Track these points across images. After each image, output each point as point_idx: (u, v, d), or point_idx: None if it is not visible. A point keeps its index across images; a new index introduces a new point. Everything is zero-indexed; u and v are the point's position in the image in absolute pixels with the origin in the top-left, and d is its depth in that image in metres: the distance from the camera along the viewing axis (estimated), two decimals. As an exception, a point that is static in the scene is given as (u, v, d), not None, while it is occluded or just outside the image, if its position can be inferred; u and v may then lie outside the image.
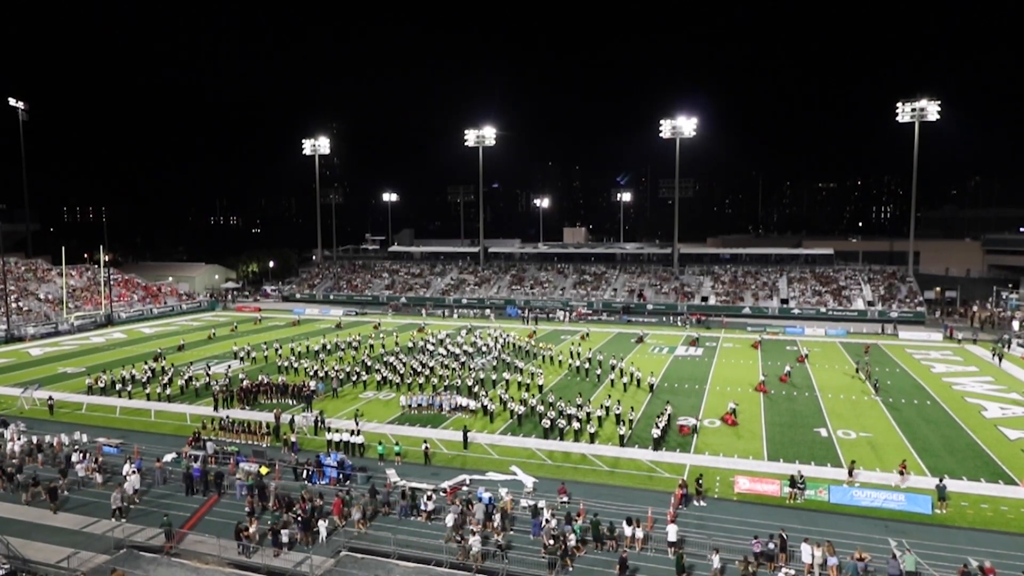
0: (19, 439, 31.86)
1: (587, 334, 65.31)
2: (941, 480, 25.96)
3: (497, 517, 23.53)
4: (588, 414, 35.52)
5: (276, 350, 54.93)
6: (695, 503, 25.69)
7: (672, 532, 21.86)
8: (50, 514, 25.21)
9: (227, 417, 35.30)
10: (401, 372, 45.22)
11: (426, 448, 30.87)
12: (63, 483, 26.85)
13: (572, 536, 21.76)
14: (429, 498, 24.84)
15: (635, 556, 21.71)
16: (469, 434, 32.71)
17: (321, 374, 45.08)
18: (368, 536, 23.20)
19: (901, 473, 27.83)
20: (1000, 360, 50.44)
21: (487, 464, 30.14)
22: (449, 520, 23.25)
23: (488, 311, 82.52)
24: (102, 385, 43.68)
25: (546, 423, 34.27)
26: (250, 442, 32.79)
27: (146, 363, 49.33)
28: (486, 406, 37.42)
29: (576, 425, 34.15)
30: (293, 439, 31.96)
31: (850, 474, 27.88)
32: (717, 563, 20.14)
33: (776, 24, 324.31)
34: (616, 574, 20.29)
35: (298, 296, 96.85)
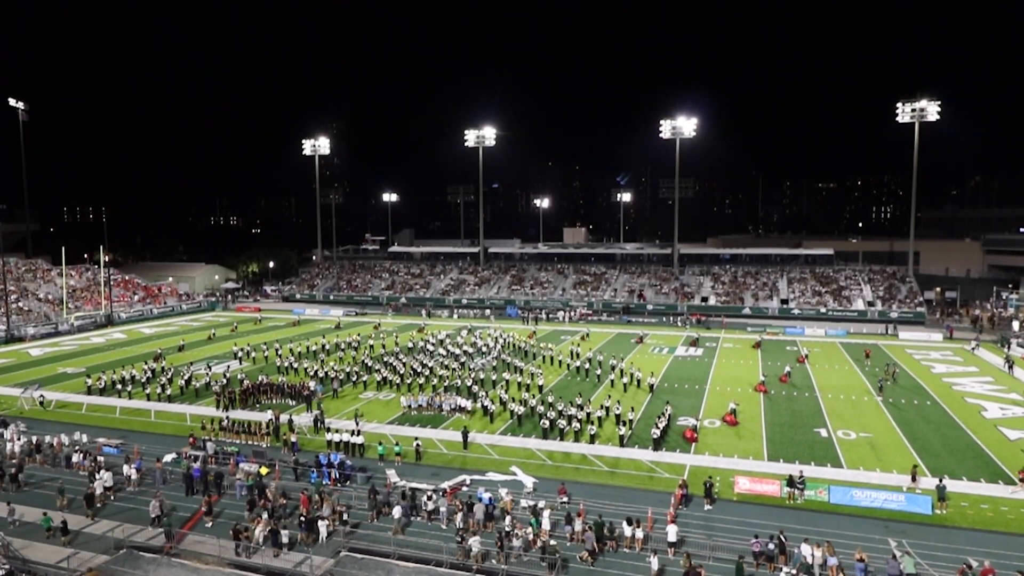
0: (19, 439, 31.86)
1: (587, 334, 65.30)
2: (941, 480, 25.94)
3: (459, 518, 23.62)
4: (588, 414, 35.53)
5: (276, 350, 54.91)
6: (705, 507, 25.41)
7: (672, 532, 21.85)
8: (50, 514, 25.13)
9: (227, 417, 35.34)
10: (401, 372, 45.23)
11: (417, 446, 31.02)
12: (94, 487, 26.46)
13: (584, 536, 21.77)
14: (429, 498, 24.85)
15: (635, 556, 21.71)
16: (469, 434, 32.73)
17: (321, 374, 45.08)
18: (367, 536, 23.20)
19: None
20: (1011, 367, 48.17)
21: (487, 464, 30.15)
22: (396, 512, 23.65)
23: (488, 311, 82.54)
24: (101, 385, 43.72)
25: (546, 423, 34.27)
26: (250, 442, 32.81)
27: (146, 363, 49.34)
28: (486, 406, 37.42)
29: (576, 425, 34.14)
30: (293, 439, 31.97)
31: (913, 479, 26.95)
32: (656, 565, 19.98)
33: (776, 24, 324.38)
34: None
35: (298, 296, 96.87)
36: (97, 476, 26.68)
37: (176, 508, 25.57)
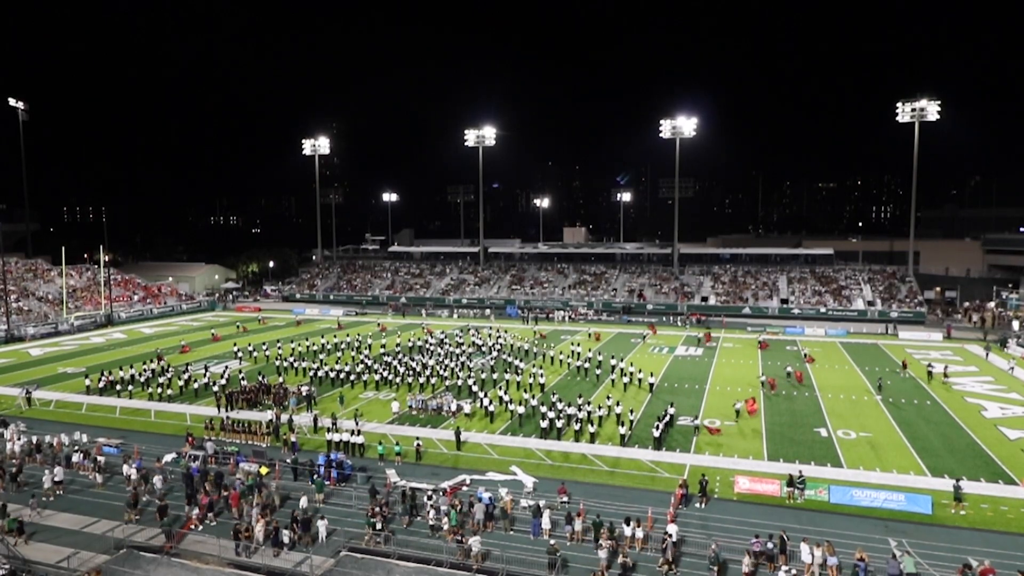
0: (19, 439, 31.86)
1: (590, 334, 65.26)
2: (958, 480, 25.73)
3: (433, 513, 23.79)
4: (588, 414, 35.51)
5: (278, 350, 54.84)
6: (697, 505, 25.54)
7: (672, 532, 21.82)
8: (50, 514, 25.14)
9: (227, 417, 35.34)
10: (401, 372, 45.20)
11: (418, 445, 31.08)
12: (155, 493, 26.36)
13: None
14: (429, 498, 24.83)
15: (635, 556, 21.68)
16: (468, 434, 32.80)
17: (320, 374, 44.99)
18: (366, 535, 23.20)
19: None
20: None
21: (487, 464, 30.14)
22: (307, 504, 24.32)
23: (488, 311, 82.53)
24: (101, 386, 43.71)
25: (546, 423, 34.26)
26: (250, 442, 32.80)
27: (145, 363, 49.32)
28: (486, 406, 37.41)
29: (576, 425, 34.11)
30: (293, 439, 31.96)
31: None
32: (603, 555, 19.52)
33: (776, 23, 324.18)
34: None
35: (298, 296, 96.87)
36: (51, 470, 26.86)
37: (151, 502, 25.37)
